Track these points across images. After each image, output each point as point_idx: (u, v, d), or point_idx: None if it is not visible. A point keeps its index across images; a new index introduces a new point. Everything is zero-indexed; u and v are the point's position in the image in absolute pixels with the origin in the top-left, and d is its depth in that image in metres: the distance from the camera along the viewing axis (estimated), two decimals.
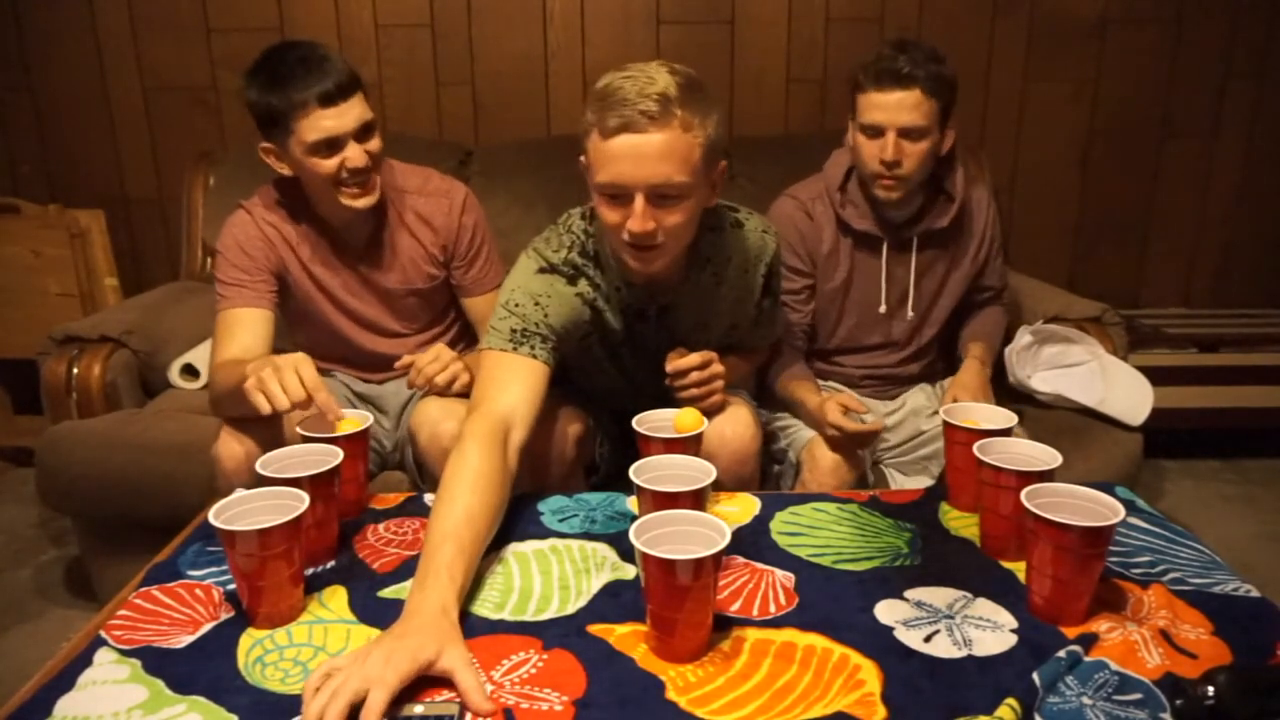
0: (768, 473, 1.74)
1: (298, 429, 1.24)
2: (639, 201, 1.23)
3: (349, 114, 1.49)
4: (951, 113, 1.61)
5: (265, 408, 1.23)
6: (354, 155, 1.51)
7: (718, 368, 1.42)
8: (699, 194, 1.28)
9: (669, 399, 1.40)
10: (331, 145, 1.49)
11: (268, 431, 1.40)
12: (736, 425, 1.42)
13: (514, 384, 1.28)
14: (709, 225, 1.42)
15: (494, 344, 1.33)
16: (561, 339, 1.37)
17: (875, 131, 1.58)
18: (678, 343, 1.46)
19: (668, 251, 1.31)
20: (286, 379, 1.22)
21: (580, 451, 1.52)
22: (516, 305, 1.35)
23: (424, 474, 1.52)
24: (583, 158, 1.29)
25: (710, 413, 1.40)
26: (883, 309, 1.75)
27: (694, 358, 1.40)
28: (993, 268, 1.83)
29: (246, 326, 1.53)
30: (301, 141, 1.49)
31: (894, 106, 1.54)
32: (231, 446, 1.42)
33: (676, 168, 1.21)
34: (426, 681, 0.87)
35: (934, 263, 1.75)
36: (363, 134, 1.52)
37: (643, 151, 1.19)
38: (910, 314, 1.76)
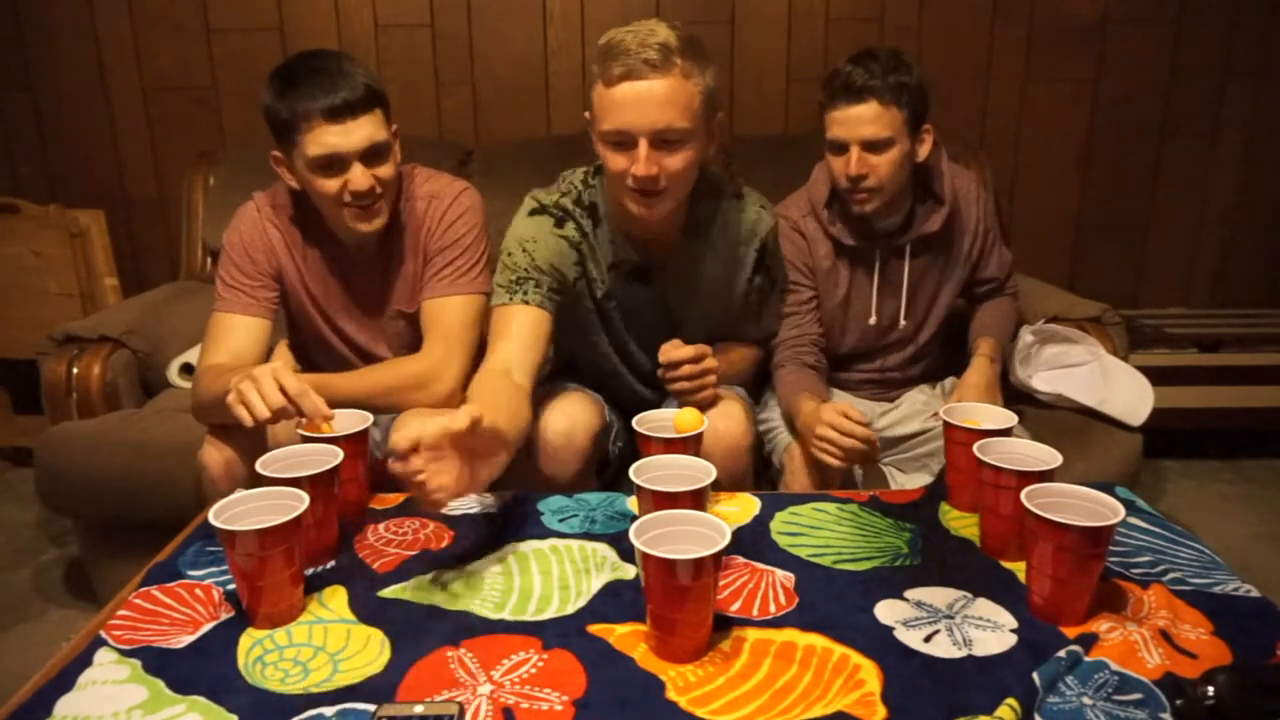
0: (763, 472, 1.74)
1: (297, 429, 1.24)
2: (643, 146, 1.30)
3: (356, 133, 1.41)
4: (925, 118, 1.59)
5: (248, 420, 1.21)
6: (357, 178, 1.42)
7: (711, 362, 1.43)
8: (699, 141, 1.35)
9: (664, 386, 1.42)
10: (334, 164, 1.42)
11: (249, 438, 1.38)
12: (729, 420, 1.43)
13: (511, 336, 1.37)
14: (709, 192, 1.49)
15: (497, 300, 1.43)
16: (554, 279, 1.43)
17: (839, 147, 1.58)
18: (669, 310, 1.50)
19: (670, 196, 1.37)
20: (265, 388, 1.21)
21: (596, 445, 1.50)
22: (509, 255, 1.43)
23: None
24: (587, 113, 1.37)
25: (703, 407, 1.41)
26: (873, 320, 1.74)
27: (687, 350, 1.41)
28: (990, 258, 1.80)
29: (238, 333, 1.50)
30: (304, 155, 1.42)
31: (853, 121, 1.54)
32: (212, 454, 1.41)
33: (678, 113, 1.29)
34: (427, 683, 0.87)
35: (929, 267, 1.74)
36: (371, 157, 1.43)
37: (646, 97, 1.27)
38: (904, 322, 1.75)
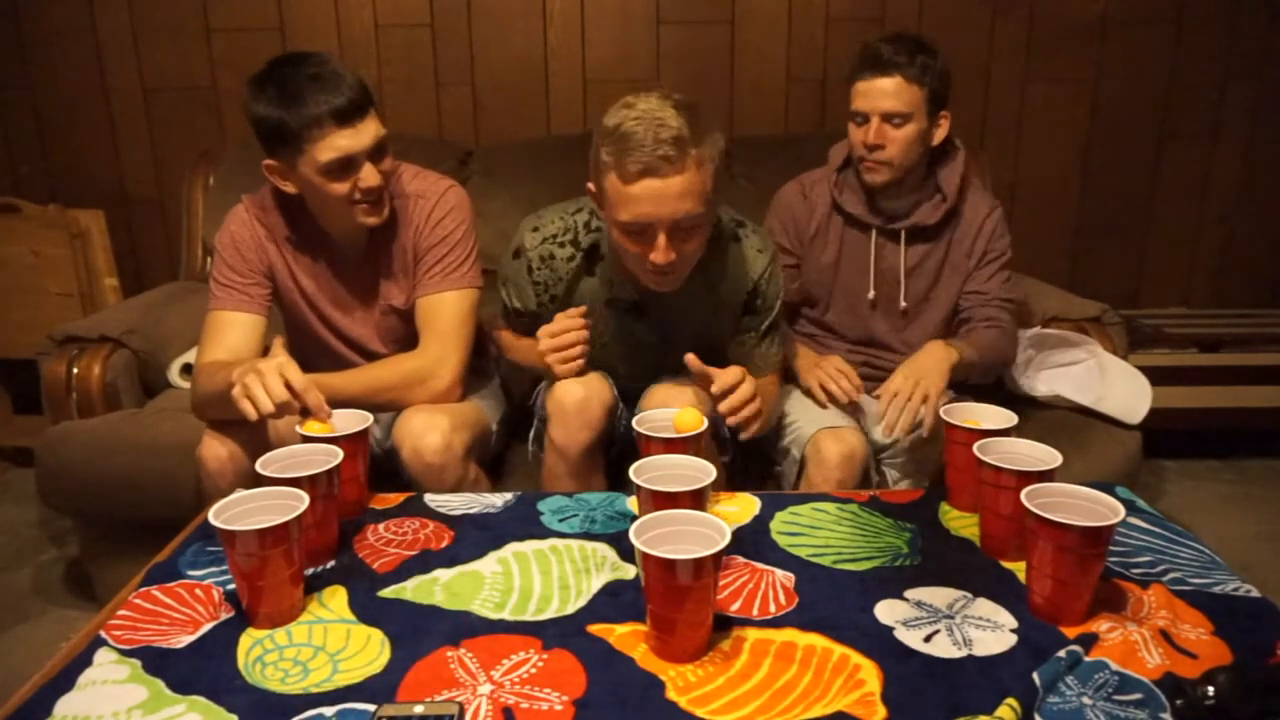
0: (756, 469, 1.74)
1: (296, 429, 1.24)
2: (661, 238, 1.33)
3: (365, 133, 1.42)
4: (944, 103, 1.66)
5: (252, 414, 1.22)
6: (368, 176, 1.44)
7: (748, 386, 1.40)
8: (711, 215, 1.39)
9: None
10: (346, 166, 1.42)
11: (250, 432, 1.39)
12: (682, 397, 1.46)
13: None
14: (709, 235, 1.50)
15: (503, 323, 1.68)
16: (533, 316, 1.58)
17: (861, 118, 1.66)
18: (662, 338, 1.56)
19: (685, 272, 1.43)
20: (270, 382, 1.22)
21: (608, 417, 1.51)
22: (501, 284, 1.61)
23: (412, 486, 1.50)
24: (591, 185, 1.39)
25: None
26: (871, 294, 1.78)
27: (728, 379, 1.38)
28: (988, 273, 1.76)
29: (235, 330, 1.50)
30: (314, 161, 1.41)
31: (875, 93, 1.62)
32: (214, 448, 1.41)
33: (694, 202, 1.31)
34: (427, 683, 0.87)
35: (926, 258, 1.77)
36: (377, 153, 1.45)
37: (664, 194, 1.29)
38: (903, 303, 1.77)
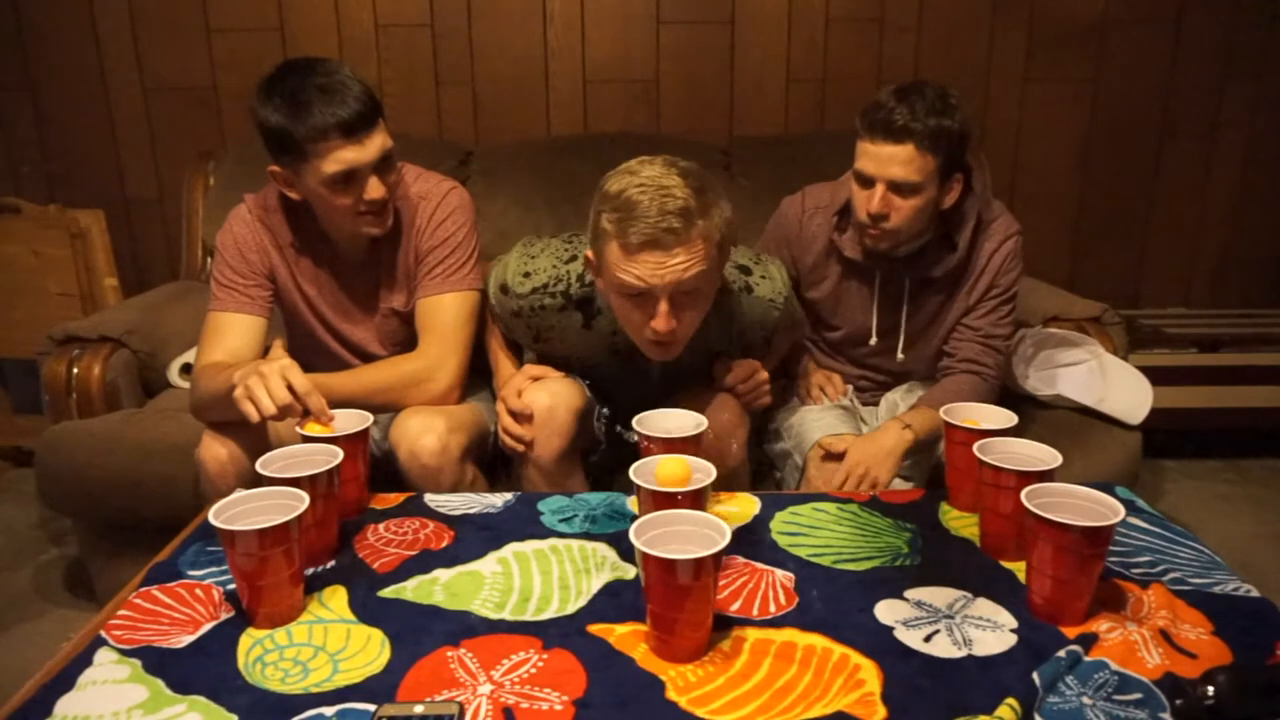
0: (766, 475, 1.74)
1: (296, 428, 1.25)
2: (663, 304, 1.28)
3: (371, 146, 1.41)
4: (959, 165, 1.53)
5: (254, 416, 1.22)
6: (373, 188, 1.43)
7: (762, 374, 1.50)
8: (715, 283, 1.35)
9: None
10: (350, 178, 1.41)
11: (250, 434, 1.38)
12: (721, 411, 1.46)
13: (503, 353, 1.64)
14: (719, 291, 1.45)
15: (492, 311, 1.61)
16: (534, 341, 1.56)
17: (866, 181, 1.53)
18: (666, 378, 1.52)
19: (686, 340, 1.37)
20: (272, 385, 1.22)
21: (580, 422, 1.49)
22: (493, 295, 1.55)
23: (410, 487, 1.49)
24: (589, 252, 1.34)
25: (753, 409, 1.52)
26: (873, 341, 1.71)
27: (740, 373, 1.47)
28: (986, 309, 1.66)
29: (235, 331, 1.50)
30: (319, 173, 1.40)
31: (885, 159, 1.48)
32: (214, 449, 1.41)
33: (698, 269, 1.26)
34: (427, 683, 0.87)
35: (926, 303, 1.69)
36: (383, 165, 1.44)
37: (667, 264, 1.25)
38: (901, 356, 1.71)
